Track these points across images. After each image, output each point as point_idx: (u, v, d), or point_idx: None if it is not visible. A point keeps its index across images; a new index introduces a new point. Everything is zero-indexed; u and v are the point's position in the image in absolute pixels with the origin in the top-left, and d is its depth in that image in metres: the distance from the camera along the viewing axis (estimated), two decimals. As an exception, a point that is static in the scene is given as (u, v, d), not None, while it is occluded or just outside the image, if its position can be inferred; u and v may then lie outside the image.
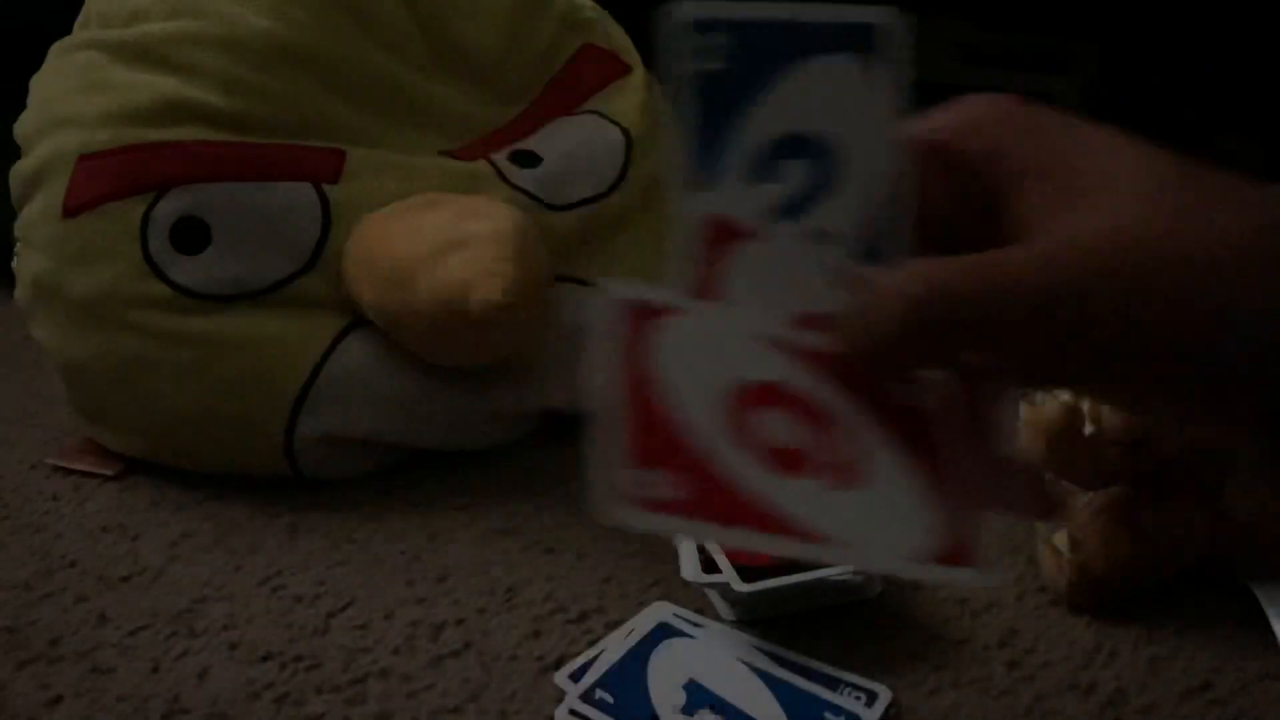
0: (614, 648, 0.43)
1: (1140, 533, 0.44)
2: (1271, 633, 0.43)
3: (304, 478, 0.55)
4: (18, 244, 0.57)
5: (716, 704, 0.41)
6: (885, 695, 0.41)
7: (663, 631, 0.44)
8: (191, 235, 0.53)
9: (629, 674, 0.42)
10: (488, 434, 0.57)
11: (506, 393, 0.56)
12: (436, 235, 0.50)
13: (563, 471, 0.56)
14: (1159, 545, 0.44)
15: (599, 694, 0.41)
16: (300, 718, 0.42)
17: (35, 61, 0.59)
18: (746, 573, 0.44)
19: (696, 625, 0.45)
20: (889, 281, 0.27)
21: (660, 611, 0.45)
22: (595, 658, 0.43)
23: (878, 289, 0.27)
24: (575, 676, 0.42)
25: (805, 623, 0.45)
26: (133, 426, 0.56)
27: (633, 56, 0.67)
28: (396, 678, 0.44)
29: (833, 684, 0.42)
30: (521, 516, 0.53)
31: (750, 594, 0.44)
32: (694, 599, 0.47)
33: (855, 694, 0.42)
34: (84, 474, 0.58)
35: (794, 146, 0.30)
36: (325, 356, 0.53)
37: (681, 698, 0.41)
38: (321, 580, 0.49)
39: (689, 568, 0.45)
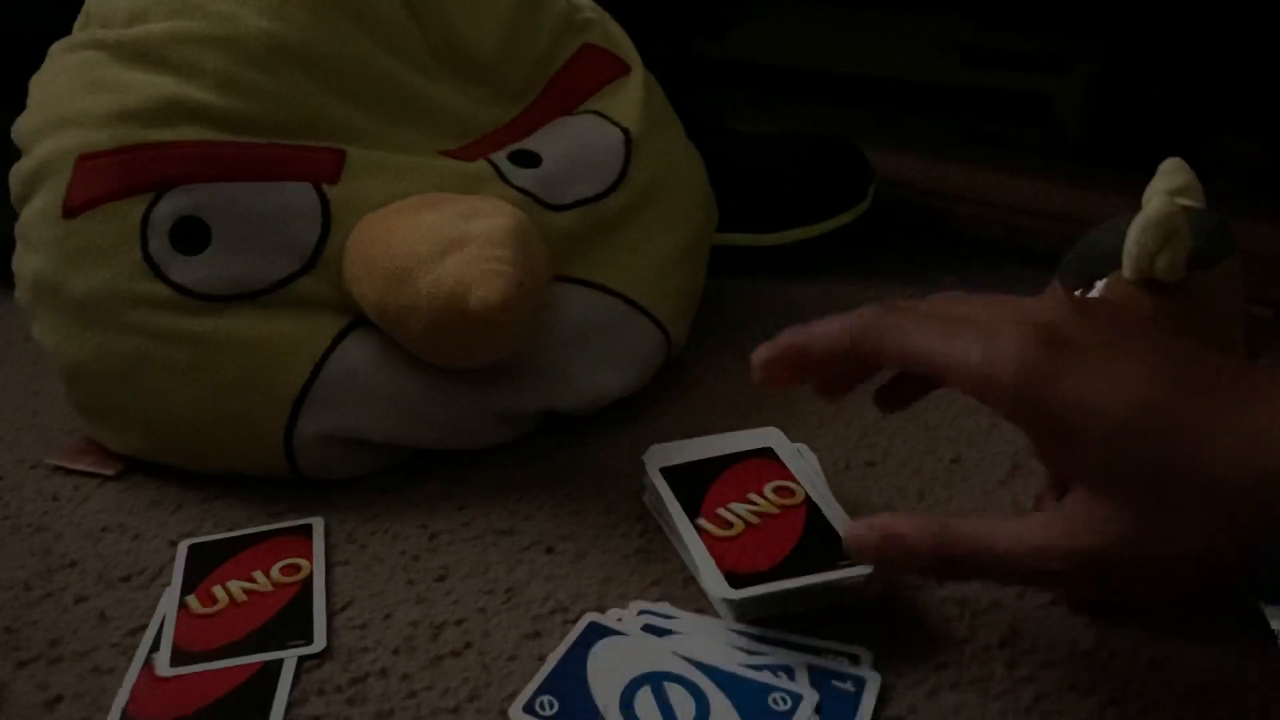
0: (552, 655, 0.44)
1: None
2: (1271, 633, 0.43)
3: (304, 478, 0.55)
4: (18, 244, 0.57)
5: (656, 685, 0.42)
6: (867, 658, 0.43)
7: (596, 632, 0.45)
8: (191, 235, 0.53)
9: (570, 676, 0.42)
10: (488, 434, 0.57)
11: (506, 393, 0.56)
12: (436, 235, 0.50)
13: (563, 471, 0.56)
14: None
15: (542, 699, 0.42)
16: (300, 718, 0.42)
17: (35, 61, 0.59)
18: (737, 578, 0.44)
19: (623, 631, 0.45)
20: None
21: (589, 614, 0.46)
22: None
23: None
24: (528, 708, 0.42)
25: (804, 623, 0.45)
26: (133, 426, 0.56)
27: (632, 56, 0.67)
28: (396, 678, 0.44)
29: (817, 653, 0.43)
30: (521, 516, 0.53)
31: (743, 600, 0.44)
32: (694, 598, 0.47)
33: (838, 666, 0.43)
34: (84, 474, 0.58)
35: None
36: (325, 356, 0.53)
37: (622, 689, 0.42)
38: (322, 580, 0.49)
39: (699, 569, 0.45)
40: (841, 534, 0.45)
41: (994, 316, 0.39)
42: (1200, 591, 0.38)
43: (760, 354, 0.43)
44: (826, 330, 0.41)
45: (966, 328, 0.39)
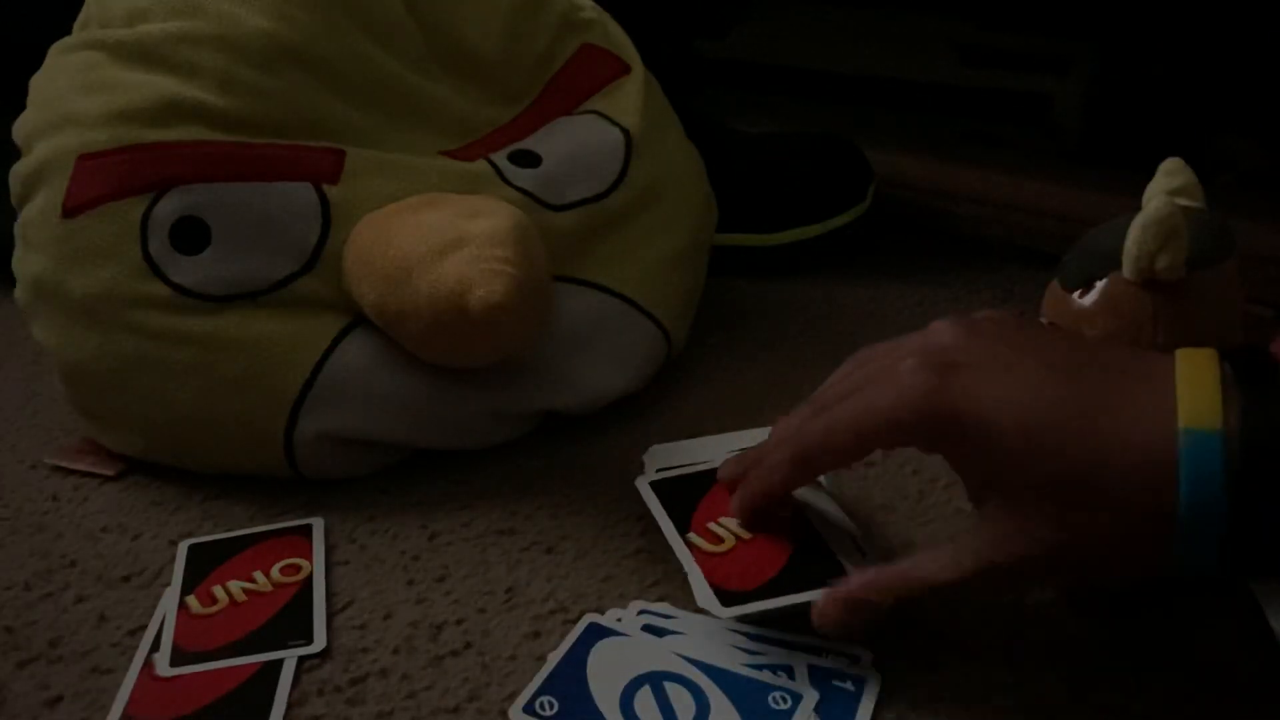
0: (552, 655, 0.44)
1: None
2: (1271, 633, 0.43)
3: (304, 478, 0.55)
4: (18, 244, 0.57)
5: (656, 685, 0.42)
6: (866, 656, 0.43)
7: (596, 632, 0.45)
8: (191, 235, 0.53)
9: (570, 677, 0.43)
10: (488, 434, 0.57)
11: (506, 393, 0.56)
12: (436, 235, 0.50)
13: (563, 471, 0.56)
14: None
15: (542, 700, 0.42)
16: (300, 718, 0.42)
17: (35, 62, 0.59)
18: (728, 596, 0.44)
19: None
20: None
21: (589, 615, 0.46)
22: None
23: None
24: (528, 709, 0.42)
25: (804, 623, 0.45)
26: (133, 426, 0.56)
27: (632, 56, 0.67)
28: (396, 678, 0.44)
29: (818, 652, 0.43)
30: (521, 516, 0.53)
31: (733, 618, 0.43)
32: (693, 598, 0.47)
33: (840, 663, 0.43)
34: (84, 474, 0.58)
35: None
36: (325, 356, 0.53)
37: (622, 689, 0.42)
38: (322, 580, 0.49)
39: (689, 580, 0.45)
40: (848, 529, 0.47)
41: (890, 364, 0.40)
42: (1122, 574, 0.40)
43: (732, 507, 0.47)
44: (765, 483, 0.45)
45: (868, 386, 0.41)
